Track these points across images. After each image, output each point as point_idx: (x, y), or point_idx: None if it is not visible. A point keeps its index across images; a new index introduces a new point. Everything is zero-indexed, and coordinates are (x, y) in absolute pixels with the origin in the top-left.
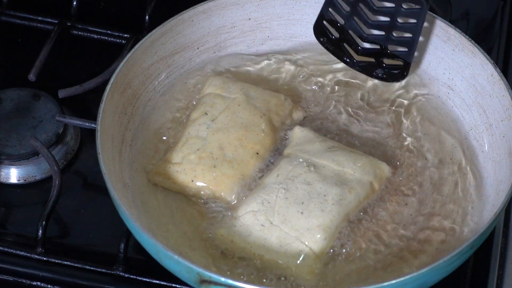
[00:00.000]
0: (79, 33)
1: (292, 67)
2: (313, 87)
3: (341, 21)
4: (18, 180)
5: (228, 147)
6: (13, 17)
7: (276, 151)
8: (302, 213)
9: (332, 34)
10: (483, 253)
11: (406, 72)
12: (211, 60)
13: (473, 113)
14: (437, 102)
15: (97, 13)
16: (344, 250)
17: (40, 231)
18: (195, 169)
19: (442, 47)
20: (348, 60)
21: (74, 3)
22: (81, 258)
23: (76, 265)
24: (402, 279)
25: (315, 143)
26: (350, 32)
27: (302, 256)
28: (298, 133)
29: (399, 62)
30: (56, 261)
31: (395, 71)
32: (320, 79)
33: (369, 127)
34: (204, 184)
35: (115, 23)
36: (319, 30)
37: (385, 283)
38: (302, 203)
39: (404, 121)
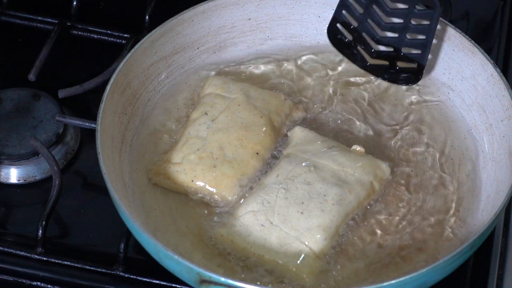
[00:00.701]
0: (79, 33)
1: (292, 67)
2: (313, 87)
3: (354, 23)
4: (18, 180)
5: (228, 147)
6: (13, 17)
7: (276, 151)
8: (302, 213)
9: (345, 36)
10: (483, 253)
11: (420, 75)
12: (211, 60)
13: (473, 113)
14: (437, 102)
15: (97, 13)
16: (344, 250)
17: (40, 231)
18: (195, 169)
19: (442, 47)
20: (362, 63)
21: (74, 3)
22: (81, 258)
23: (76, 265)
24: (402, 279)
25: (315, 143)
26: (364, 34)
27: (302, 256)
28: (298, 133)
29: (413, 65)
30: (56, 261)
31: (409, 74)
32: (320, 79)
33: (369, 127)
34: (204, 184)
35: (115, 23)
36: (332, 33)
37: (385, 283)
38: (302, 203)
39: (404, 121)
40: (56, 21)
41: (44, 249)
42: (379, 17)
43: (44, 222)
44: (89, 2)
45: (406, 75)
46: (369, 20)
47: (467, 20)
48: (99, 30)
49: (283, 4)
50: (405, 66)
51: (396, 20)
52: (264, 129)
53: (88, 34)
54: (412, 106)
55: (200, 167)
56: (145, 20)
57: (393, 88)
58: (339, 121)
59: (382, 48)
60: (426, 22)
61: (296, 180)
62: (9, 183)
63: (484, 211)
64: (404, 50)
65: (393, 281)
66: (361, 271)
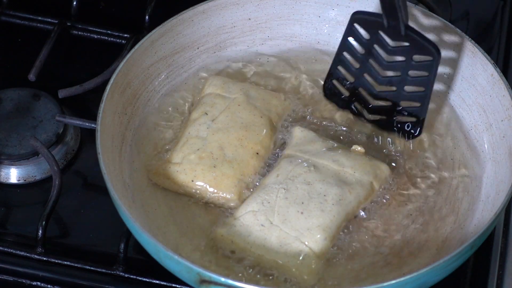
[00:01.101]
0: (79, 33)
1: (292, 68)
2: (313, 87)
3: (350, 78)
4: (18, 180)
5: (228, 147)
6: (13, 17)
7: (276, 151)
8: (302, 213)
9: (342, 93)
10: (483, 253)
11: (421, 128)
12: (211, 60)
13: (473, 113)
14: (437, 102)
15: (97, 13)
16: (344, 250)
17: (40, 231)
18: (195, 169)
19: (442, 47)
20: (360, 116)
21: (74, 3)
22: (81, 258)
23: (76, 265)
24: (402, 279)
25: (315, 143)
26: (361, 89)
27: (302, 256)
28: (298, 133)
29: (412, 119)
30: (56, 261)
31: (409, 128)
32: (320, 79)
33: (369, 127)
34: (204, 184)
35: (115, 23)
36: (329, 89)
37: (385, 283)
38: (302, 203)
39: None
40: (56, 21)
41: (44, 249)
42: (375, 71)
43: (44, 222)
44: (89, 2)
45: (406, 129)
46: (365, 75)
47: (467, 20)
48: (99, 30)
49: (283, 4)
50: (404, 120)
51: (393, 73)
52: (264, 129)
53: (88, 34)
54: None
55: (200, 167)
56: (145, 20)
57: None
58: (339, 121)
59: (380, 103)
60: (424, 74)
61: (296, 180)
62: (9, 183)
63: (484, 211)
64: (403, 104)
65: (393, 281)
66: (361, 271)
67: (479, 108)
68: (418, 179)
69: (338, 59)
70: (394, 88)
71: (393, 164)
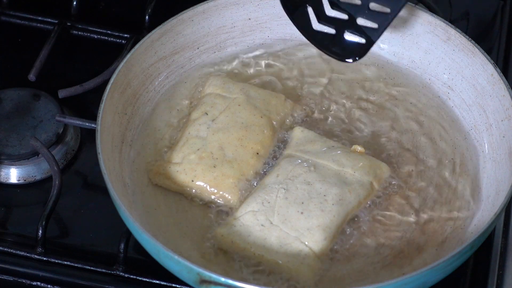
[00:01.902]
0: (79, 33)
1: (292, 67)
2: (313, 87)
3: None
4: (18, 180)
5: (228, 147)
6: (13, 17)
7: (276, 151)
8: (302, 213)
9: None
10: (483, 253)
11: (365, 52)
12: (211, 60)
13: (473, 113)
14: (437, 102)
15: (97, 13)
16: (344, 250)
17: (40, 231)
18: (195, 169)
19: (442, 47)
20: (304, 27)
21: (74, 3)
22: (81, 258)
23: (76, 265)
24: (402, 279)
25: (315, 143)
26: None
27: (302, 256)
28: (298, 133)
29: (361, 40)
30: (56, 261)
31: (353, 49)
32: (320, 79)
33: (369, 127)
34: (204, 184)
35: (115, 23)
36: None
37: (385, 283)
38: (302, 203)
39: (404, 121)
40: (56, 21)
41: (44, 249)
42: None
43: (44, 222)
44: (89, 2)
45: (350, 49)
46: None
47: (467, 20)
48: (99, 30)
49: None
50: (351, 40)
51: None
52: (264, 129)
53: (88, 34)
54: (412, 106)
55: (200, 167)
56: (145, 20)
57: (393, 88)
58: (339, 121)
59: (335, 13)
60: None
61: (296, 180)
62: (9, 183)
63: (484, 211)
64: (360, 21)
65: (393, 281)
66: (361, 271)
67: (479, 108)
68: (418, 179)
69: None
70: (359, 2)
71: (393, 164)
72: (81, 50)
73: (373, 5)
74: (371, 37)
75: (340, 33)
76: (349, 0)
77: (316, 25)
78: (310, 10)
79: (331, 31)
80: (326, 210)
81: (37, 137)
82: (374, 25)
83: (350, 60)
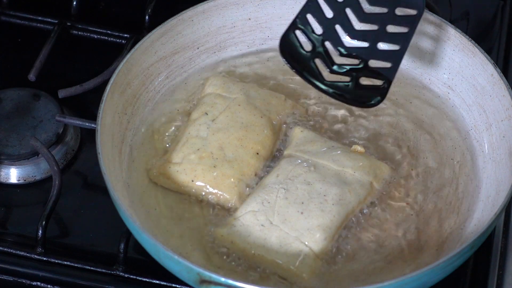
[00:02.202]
0: (79, 33)
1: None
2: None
3: (319, 30)
4: (18, 180)
5: (228, 147)
6: (13, 17)
7: (276, 151)
8: (302, 213)
9: (303, 47)
10: (483, 253)
11: (384, 94)
12: (211, 60)
13: (473, 113)
14: (437, 102)
15: (97, 13)
16: (344, 250)
17: (40, 231)
18: (195, 169)
19: (442, 47)
20: (317, 81)
21: (74, 3)
22: (81, 258)
23: (76, 265)
24: (402, 279)
25: (315, 143)
26: (327, 43)
27: (302, 256)
28: (298, 133)
29: (378, 82)
30: (56, 261)
31: (373, 92)
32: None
33: (369, 127)
34: (204, 184)
35: (115, 23)
36: (288, 42)
37: (385, 283)
38: (302, 203)
39: (404, 121)
40: (56, 21)
41: (44, 249)
42: (350, 22)
43: (44, 222)
44: (89, 2)
45: (369, 94)
46: (337, 26)
47: (467, 20)
48: (99, 30)
49: (283, 4)
50: (368, 84)
51: (369, 27)
52: (264, 129)
53: (88, 34)
54: (412, 106)
55: (200, 167)
56: (145, 20)
57: (393, 88)
58: (339, 121)
59: (345, 60)
60: (404, 30)
61: (296, 180)
62: (9, 183)
63: (484, 211)
64: (372, 63)
65: (393, 281)
66: (361, 271)
67: (479, 108)
68: (418, 179)
69: (309, 4)
70: (366, 44)
71: (393, 164)
72: (81, 50)
73: (381, 45)
74: (388, 76)
75: (355, 80)
76: (356, 43)
77: (329, 77)
78: (319, 62)
79: (345, 79)
80: (326, 210)
81: (37, 137)
82: (387, 64)
83: (372, 107)
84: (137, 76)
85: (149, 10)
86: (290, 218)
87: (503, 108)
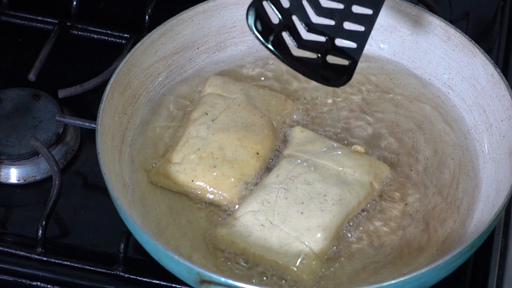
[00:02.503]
0: (79, 33)
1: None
2: (313, 87)
3: (286, 3)
4: (18, 180)
5: (228, 147)
6: (13, 17)
7: (276, 151)
8: (302, 213)
9: (270, 19)
10: (483, 253)
11: (350, 74)
12: (211, 60)
13: (473, 113)
14: (437, 102)
15: (97, 13)
16: (344, 250)
17: (40, 231)
18: (195, 169)
19: (442, 47)
20: (285, 54)
21: (74, 3)
22: (81, 258)
23: (76, 265)
24: (402, 279)
25: (315, 143)
26: (294, 17)
27: (302, 256)
28: (298, 133)
29: (344, 62)
30: (56, 261)
31: (339, 72)
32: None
33: (369, 127)
34: (204, 184)
35: (115, 23)
36: (255, 13)
37: (385, 283)
38: (302, 203)
39: (404, 121)
40: (56, 21)
41: (44, 249)
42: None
43: (44, 222)
44: (89, 2)
45: (335, 73)
46: (304, 2)
47: (467, 20)
48: (99, 30)
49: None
50: (334, 63)
51: (336, 5)
52: (264, 129)
53: (88, 34)
54: (412, 106)
55: (200, 167)
56: (145, 20)
57: (393, 88)
58: (339, 121)
59: (313, 37)
60: (369, 11)
61: (296, 180)
62: (9, 183)
63: (484, 211)
64: (338, 42)
65: (393, 281)
66: (361, 271)
67: (479, 108)
68: (418, 179)
69: None
70: (333, 22)
71: (393, 164)
72: (81, 50)
73: (347, 24)
74: (354, 56)
75: (322, 57)
76: (323, 20)
77: (296, 52)
78: (286, 36)
79: (312, 56)
80: (326, 210)
81: (37, 137)
82: (353, 44)
83: (339, 85)
84: (137, 76)
85: (149, 10)
86: (290, 218)
87: (503, 108)
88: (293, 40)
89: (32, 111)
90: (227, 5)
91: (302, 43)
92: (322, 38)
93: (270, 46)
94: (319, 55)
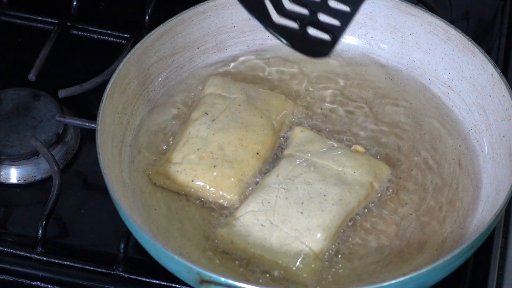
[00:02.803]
0: (79, 33)
1: (292, 68)
2: (313, 87)
3: None
4: (18, 180)
5: (228, 147)
6: (13, 17)
7: (276, 151)
8: (302, 213)
9: None
10: (483, 253)
11: (331, 49)
12: (211, 60)
13: (473, 113)
14: (437, 102)
15: (97, 13)
16: (344, 250)
17: (40, 231)
18: (196, 169)
19: (442, 47)
20: (264, 20)
21: (74, 3)
22: (81, 258)
23: (76, 265)
24: (402, 279)
25: (315, 143)
26: None
27: (302, 256)
28: (298, 133)
29: (326, 36)
30: (56, 261)
31: (319, 45)
32: (320, 79)
33: (369, 127)
34: (204, 184)
35: (115, 23)
36: None
37: (385, 283)
38: (302, 203)
39: (404, 121)
40: (56, 21)
41: (44, 249)
42: None
43: (44, 222)
44: (89, 2)
45: (315, 45)
46: None
47: (467, 20)
48: (99, 30)
49: None
50: (315, 36)
51: None
52: (264, 129)
53: (88, 34)
54: (412, 106)
55: (200, 167)
56: (145, 20)
57: (393, 87)
58: (339, 122)
59: (296, 8)
60: None
61: (296, 180)
62: (9, 183)
63: (484, 211)
64: (322, 17)
65: (393, 281)
66: (361, 271)
67: (479, 108)
68: (418, 179)
69: None
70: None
71: (393, 164)
72: (81, 50)
73: (332, 3)
74: (335, 33)
75: (303, 28)
76: None
77: (277, 19)
78: (267, 2)
79: (294, 25)
80: (326, 210)
81: (37, 137)
82: (336, 22)
83: (316, 57)
84: (137, 76)
85: (149, 10)
86: (290, 218)
87: (503, 108)
88: (275, 8)
89: (32, 111)
90: (227, 5)
91: (283, 11)
92: (305, 11)
93: (249, 9)
94: (300, 24)
